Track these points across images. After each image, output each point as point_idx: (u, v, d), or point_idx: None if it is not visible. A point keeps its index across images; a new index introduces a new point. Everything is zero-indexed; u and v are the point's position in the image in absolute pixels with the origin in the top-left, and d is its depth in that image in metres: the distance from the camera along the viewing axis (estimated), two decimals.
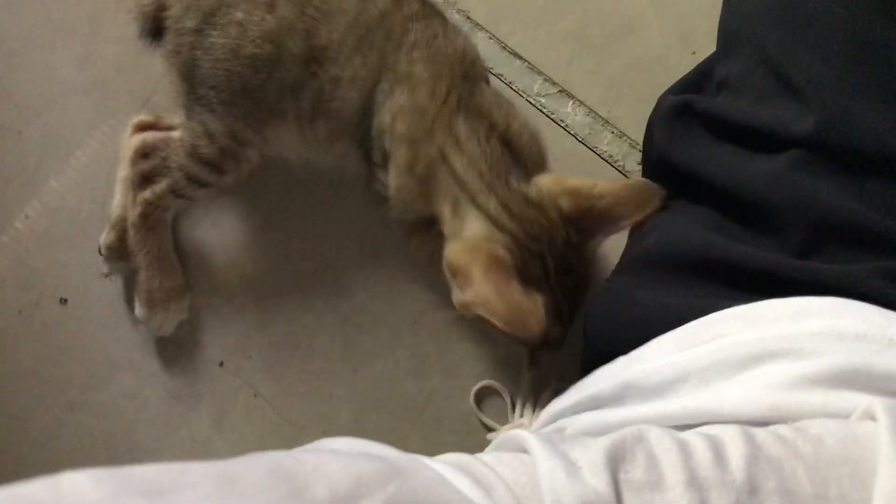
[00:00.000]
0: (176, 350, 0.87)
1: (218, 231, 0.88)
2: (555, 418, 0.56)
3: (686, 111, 0.63)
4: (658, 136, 0.65)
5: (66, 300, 0.89)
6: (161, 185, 0.79)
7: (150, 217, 0.80)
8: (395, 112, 0.70)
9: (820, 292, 0.46)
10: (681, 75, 0.72)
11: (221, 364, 0.86)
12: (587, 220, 0.67)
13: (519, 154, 0.70)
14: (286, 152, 0.82)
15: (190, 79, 0.75)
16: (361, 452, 0.34)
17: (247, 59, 0.72)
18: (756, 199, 0.55)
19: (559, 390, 0.66)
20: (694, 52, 0.85)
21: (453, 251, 0.66)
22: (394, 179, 0.72)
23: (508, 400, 0.80)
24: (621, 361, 0.52)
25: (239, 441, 0.85)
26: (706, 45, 0.73)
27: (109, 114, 0.93)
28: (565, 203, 0.67)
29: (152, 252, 0.81)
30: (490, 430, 0.80)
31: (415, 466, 0.33)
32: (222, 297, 0.87)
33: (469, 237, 0.67)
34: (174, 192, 0.79)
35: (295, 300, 0.86)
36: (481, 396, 0.81)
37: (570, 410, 0.54)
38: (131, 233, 0.81)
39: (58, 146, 0.93)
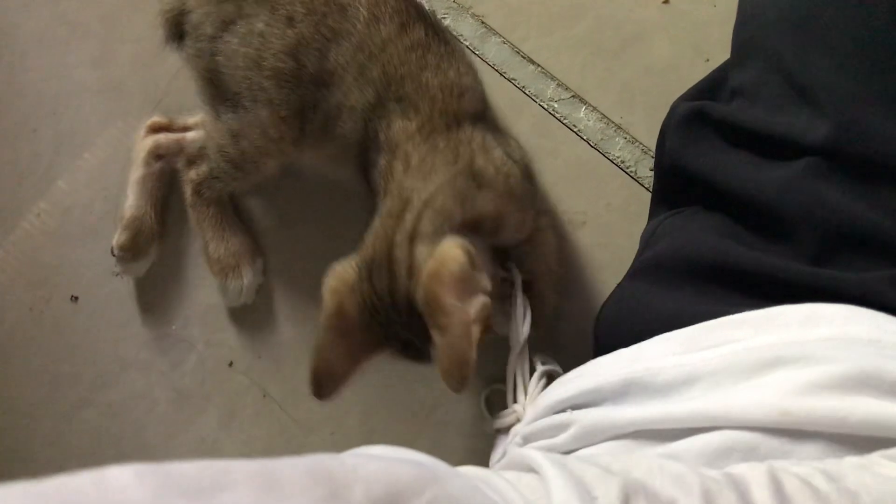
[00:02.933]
0: (185, 349, 0.87)
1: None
2: (553, 409, 0.56)
3: (700, 118, 0.63)
4: (671, 142, 0.65)
5: (76, 298, 0.90)
6: (203, 169, 0.81)
7: (202, 195, 0.82)
8: (380, 150, 0.71)
9: (832, 300, 0.46)
10: (694, 82, 0.72)
11: (231, 364, 0.86)
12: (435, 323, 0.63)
13: (462, 194, 0.67)
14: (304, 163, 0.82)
15: (214, 83, 0.77)
16: (400, 457, 0.34)
17: (269, 71, 0.72)
18: (769, 207, 0.55)
19: (549, 373, 0.66)
20: (707, 60, 0.85)
21: (329, 276, 0.66)
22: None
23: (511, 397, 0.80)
24: (624, 355, 0.52)
25: (247, 441, 0.85)
26: (719, 53, 0.73)
27: (122, 114, 0.93)
28: (420, 292, 0.61)
29: (212, 223, 0.83)
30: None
31: (452, 473, 0.33)
32: None
33: (342, 271, 0.66)
34: (214, 177, 0.80)
35: (305, 300, 0.86)
36: (491, 401, 0.81)
37: (569, 402, 0.54)
38: (190, 211, 0.83)
39: (71, 145, 0.93)
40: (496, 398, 0.81)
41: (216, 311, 0.87)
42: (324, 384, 0.65)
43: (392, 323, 0.64)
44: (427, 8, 0.77)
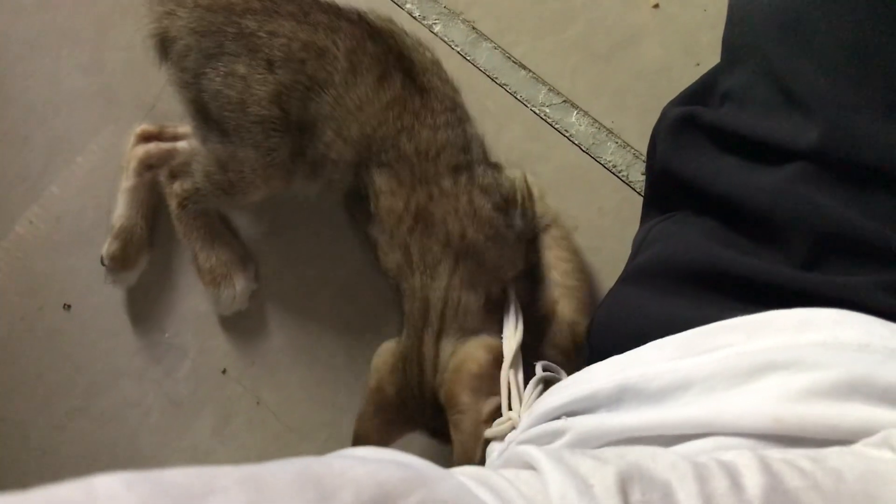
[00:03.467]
0: (179, 357, 0.87)
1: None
2: (548, 416, 0.56)
3: (690, 123, 0.63)
4: (662, 147, 0.65)
5: (69, 306, 0.89)
6: (188, 185, 0.80)
7: (187, 208, 0.82)
8: (373, 215, 0.73)
9: (823, 304, 0.46)
10: (685, 86, 0.73)
11: (224, 371, 0.86)
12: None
13: (469, 274, 0.71)
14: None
15: (200, 114, 0.76)
16: (388, 460, 0.34)
17: (255, 117, 0.72)
18: (760, 211, 0.55)
19: (546, 380, 0.66)
20: (698, 64, 0.85)
21: (377, 353, 0.73)
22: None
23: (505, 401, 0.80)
24: (618, 361, 0.52)
25: (241, 449, 0.85)
26: (710, 57, 0.73)
27: (114, 120, 0.93)
28: (443, 393, 0.68)
29: (200, 233, 0.83)
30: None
31: (440, 475, 0.33)
32: None
33: (388, 350, 0.72)
34: (202, 195, 0.80)
35: (298, 306, 0.86)
36: None
37: (563, 409, 0.54)
38: (176, 223, 0.83)
39: (63, 152, 0.93)
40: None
41: (209, 318, 0.87)
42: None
43: (421, 411, 0.71)
44: (405, 37, 0.77)
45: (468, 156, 0.74)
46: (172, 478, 0.26)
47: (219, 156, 0.76)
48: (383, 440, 0.71)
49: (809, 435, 0.41)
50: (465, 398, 0.65)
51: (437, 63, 0.77)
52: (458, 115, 0.76)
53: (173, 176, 0.82)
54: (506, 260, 0.73)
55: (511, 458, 0.40)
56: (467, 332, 0.69)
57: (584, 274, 0.79)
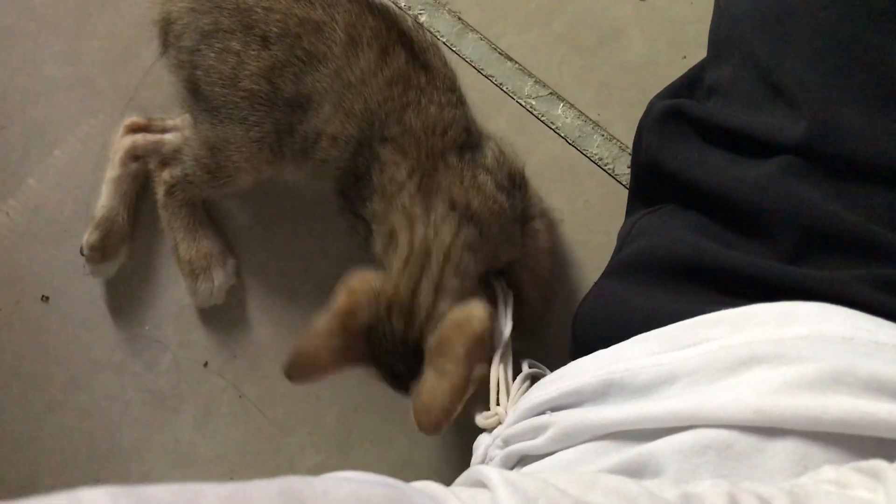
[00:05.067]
0: (160, 350, 0.86)
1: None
2: (533, 412, 0.56)
3: (677, 116, 0.63)
4: (648, 139, 0.65)
5: (47, 298, 0.88)
6: (177, 171, 0.80)
7: (174, 196, 0.81)
8: (371, 190, 0.71)
9: (808, 298, 0.46)
10: (671, 79, 0.73)
11: (206, 364, 0.85)
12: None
13: (471, 243, 0.70)
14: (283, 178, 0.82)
15: (194, 94, 0.76)
16: (371, 480, 0.34)
17: (244, 92, 0.72)
18: (745, 204, 0.55)
19: (533, 376, 0.66)
20: (685, 57, 0.85)
21: (352, 276, 0.69)
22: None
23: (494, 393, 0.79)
24: (603, 356, 0.52)
25: (223, 442, 0.84)
26: (696, 50, 0.73)
27: (94, 110, 0.92)
28: (431, 343, 0.66)
29: (184, 223, 0.82)
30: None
31: (420, 495, 0.33)
32: None
33: (366, 280, 0.69)
34: (189, 182, 0.80)
35: (281, 299, 0.86)
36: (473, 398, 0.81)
37: (549, 404, 0.54)
38: (161, 211, 0.82)
39: (41, 142, 0.92)
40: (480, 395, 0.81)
41: (190, 311, 0.86)
42: (301, 367, 0.67)
43: (392, 353, 0.68)
44: (405, 15, 0.77)
45: (471, 137, 0.74)
46: (156, 493, 0.26)
47: (208, 138, 0.75)
48: (328, 366, 0.68)
49: (792, 426, 0.41)
50: (460, 350, 0.63)
51: (434, 45, 0.77)
52: (457, 96, 0.76)
53: (164, 163, 0.82)
54: (505, 238, 0.73)
55: (470, 476, 0.40)
56: (465, 295, 0.67)
57: (551, 269, 0.81)
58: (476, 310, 0.65)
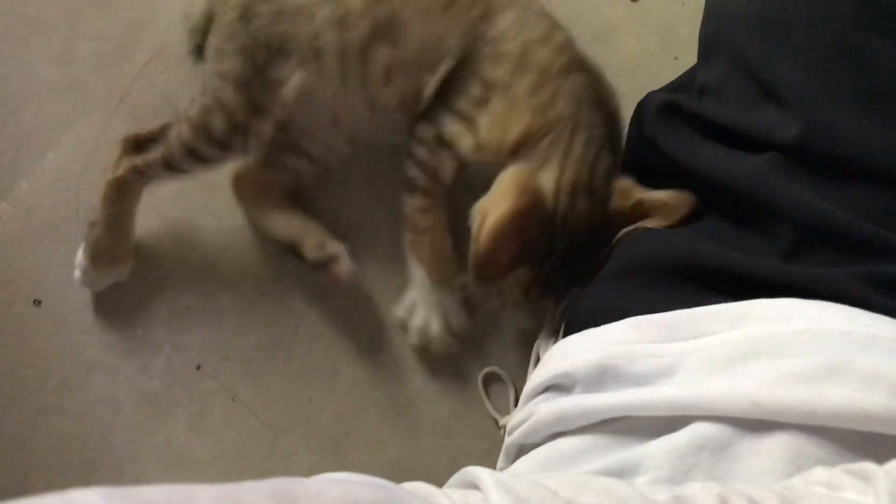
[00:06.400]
0: (153, 352, 0.86)
1: (196, 231, 0.87)
2: (533, 394, 0.56)
3: (672, 109, 0.63)
4: (648, 130, 0.65)
5: (39, 301, 0.88)
6: (154, 154, 0.78)
7: (128, 183, 0.80)
8: (520, 41, 0.70)
9: (803, 296, 0.47)
10: (663, 80, 0.73)
11: (199, 367, 0.85)
12: (624, 216, 0.68)
13: (615, 137, 0.71)
14: (308, 122, 0.80)
15: (219, 54, 0.75)
16: (362, 481, 0.34)
17: (291, 12, 0.72)
18: (739, 192, 0.56)
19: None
20: (676, 58, 0.85)
21: (514, 172, 0.67)
22: (491, 114, 0.71)
23: (511, 391, 0.80)
24: (592, 335, 0.52)
25: (217, 444, 0.84)
26: (688, 51, 0.73)
27: (86, 112, 0.91)
28: (614, 202, 0.67)
29: (116, 214, 0.81)
30: (498, 426, 0.79)
31: (411, 497, 0.33)
32: (200, 298, 0.86)
33: (531, 176, 0.67)
34: (167, 163, 0.78)
35: (275, 301, 0.85)
36: (488, 383, 0.82)
37: (542, 387, 0.54)
38: (103, 190, 0.80)
39: (33, 145, 0.91)
40: (493, 381, 0.81)
41: (183, 313, 0.86)
42: (491, 266, 0.66)
43: (574, 240, 0.67)
44: None
45: None
46: (150, 494, 0.26)
47: (222, 98, 0.75)
48: (512, 262, 0.67)
49: (788, 419, 0.41)
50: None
51: None
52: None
53: (139, 147, 0.80)
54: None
55: (462, 476, 0.40)
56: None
57: None
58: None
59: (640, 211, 0.66)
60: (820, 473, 0.37)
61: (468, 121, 0.71)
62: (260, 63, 0.73)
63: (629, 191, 0.67)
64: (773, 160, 0.55)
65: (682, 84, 0.71)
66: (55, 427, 0.85)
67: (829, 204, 0.52)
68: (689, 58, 0.69)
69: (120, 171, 0.79)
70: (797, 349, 0.43)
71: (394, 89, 0.74)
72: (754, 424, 0.42)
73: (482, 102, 0.70)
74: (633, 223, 0.66)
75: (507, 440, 0.57)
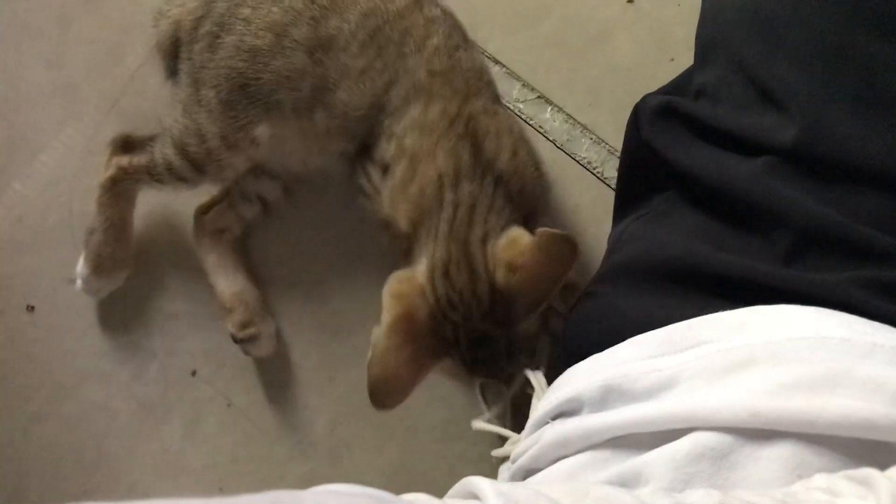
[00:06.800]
0: (147, 359, 0.85)
1: (190, 237, 0.86)
2: (537, 426, 0.56)
3: (669, 112, 0.63)
4: (645, 131, 0.65)
5: (32, 308, 0.87)
6: (140, 159, 0.79)
7: (119, 183, 0.80)
8: (406, 124, 0.70)
9: (801, 302, 0.46)
10: (659, 82, 0.72)
11: (194, 373, 0.85)
12: (520, 288, 0.66)
13: (511, 193, 0.70)
14: (278, 158, 0.80)
15: (196, 82, 0.75)
16: (359, 493, 0.34)
17: (247, 52, 0.72)
18: (737, 195, 0.55)
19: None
20: (672, 59, 0.85)
21: (391, 283, 0.67)
22: (387, 192, 0.71)
23: (508, 396, 0.79)
24: (599, 359, 0.52)
25: (212, 452, 0.83)
26: (684, 53, 0.73)
27: (78, 116, 0.91)
28: (500, 275, 0.65)
29: (113, 218, 0.80)
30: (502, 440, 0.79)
31: None
32: (195, 304, 0.86)
33: (406, 277, 0.67)
34: (150, 172, 0.78)
35: (269, 306, 0.85)
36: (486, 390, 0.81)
37: (550, 415, 0.54)
38: (98, 192, 0.80)
39: (25, 149, 0.91)
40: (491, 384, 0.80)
41: (178, 319, 0.85)
42: (387, 393, 0.64)
43: (469, 318, 0.66)
44: None
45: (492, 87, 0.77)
46: None
47: (201, 125, 0.75)
48: (411, 377, 0.65)
49: (788, 429, 0.41)
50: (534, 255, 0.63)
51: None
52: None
53: (126, 150, 0.80)
54: (528, 198, 0.73)
55: (462, 487, 0.39)
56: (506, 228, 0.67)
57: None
58: (517, 233, 0.66)
59: (533, 259, 0.64)
60: (820, 480, 0.36)
61: (377, 191, 0.73)
62: (226, 98, 0.74)
63: (517, 242, 0.65)
64: (770, 163, 0.54)
65: (679, 86, 0.70)
66: (49, 435, 0.85)
67: (828, 207, 0.51)
68: (686, 59, 0.69)
69: (110, 171, 0.79)
70: (796, 357, 0.42)
71: (337, 146, 0.76)
72: (754, 433, 0.42)
73: (386, 177, 0.72)
74: (532, 275, 0.64)
75: (514, 466, 0.56)
